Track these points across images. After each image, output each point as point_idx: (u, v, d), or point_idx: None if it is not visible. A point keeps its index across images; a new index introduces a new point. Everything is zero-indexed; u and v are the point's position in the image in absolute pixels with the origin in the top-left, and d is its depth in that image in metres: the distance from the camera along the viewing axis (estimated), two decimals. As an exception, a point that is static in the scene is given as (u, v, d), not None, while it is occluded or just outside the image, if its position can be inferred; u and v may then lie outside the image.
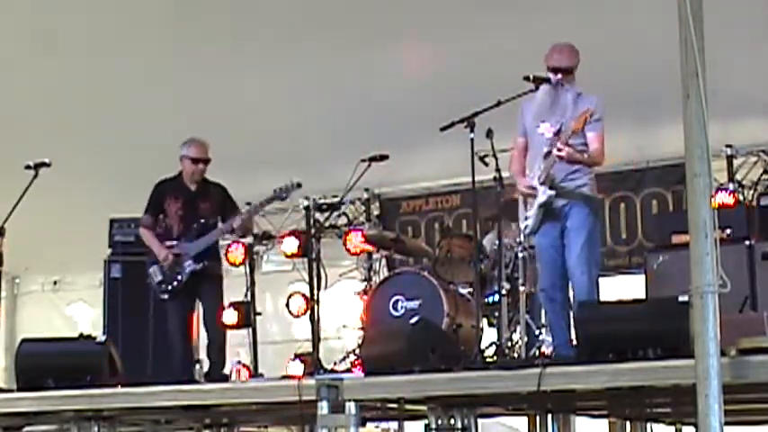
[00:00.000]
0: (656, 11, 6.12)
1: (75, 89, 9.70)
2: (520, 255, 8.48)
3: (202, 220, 8.22)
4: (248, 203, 8.69)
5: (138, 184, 8.69)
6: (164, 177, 8.43)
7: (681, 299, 5.34)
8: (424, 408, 6.22)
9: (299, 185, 8.29)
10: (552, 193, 6.98)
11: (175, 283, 8.21)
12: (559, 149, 6.92)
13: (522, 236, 7.91)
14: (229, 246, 11.24)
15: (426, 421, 6.17)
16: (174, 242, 8.23)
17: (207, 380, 8.04)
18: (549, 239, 7.09)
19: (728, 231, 7.88)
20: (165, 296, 8.27)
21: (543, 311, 8.61)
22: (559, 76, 7.08)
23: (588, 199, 7.07)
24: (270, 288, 12.14)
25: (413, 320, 6.51)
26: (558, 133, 7.01)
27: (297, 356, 10.46)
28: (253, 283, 11.43)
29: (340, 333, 11.55)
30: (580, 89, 7.12)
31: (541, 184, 7.00)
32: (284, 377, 9.20)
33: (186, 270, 8.18)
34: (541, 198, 7.00)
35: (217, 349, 8.22)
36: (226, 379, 8.31)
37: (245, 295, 11.30)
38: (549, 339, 8.30)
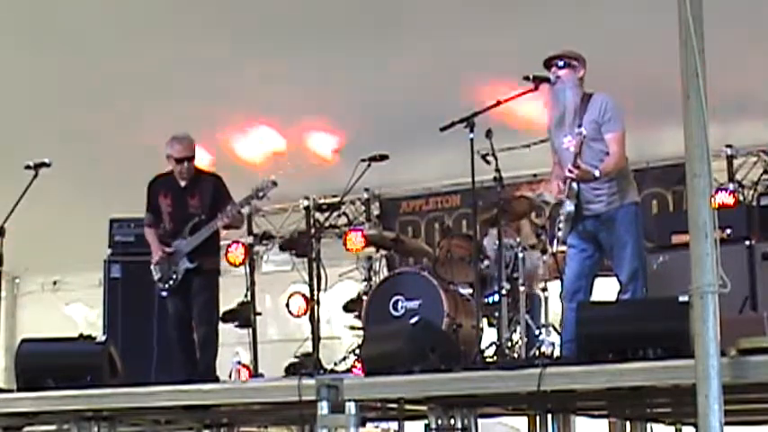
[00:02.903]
0: (656, 11, 6.12)
1: (76, 89, 9.71)
2: (520, 255, 8.49)
3: (195, 217, 8.19)
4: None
5: (137, 184, 8.69)
6: (157, 174, 8.43)
7: (681, 299, 5.33)
8: (424, 408, 6.22)
9: (274, 184, 8.26)
10: (572, 209, 6.96)
11: (171, 281, 8.19)
12: (570, 171, 6.89)
13: (554, 244, 7.91)
14: (229, 246, 11.26)
15: (426, 421, 6.17)
16: (174, 242, 8.22)
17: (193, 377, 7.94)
18: (580, 241, 7.05)
19: (728, 231, 7.85)
20: (164, 294, 8.29)
21: (543, 310, 8.64)
22: (554, 69, 7.05)
23: (625, 205, 7.00)
24: (270, 288, 12.15)
25: (413, 320, 6.50)
26: (580, 145, 6.96)
27: (297, 357, 10.48)
28: (253, 283, 11.47)
29: (340, 333, 11.56)
30: (591, 91, 7.07)
31: (566, 197, 6.99)
32: (284, 377, 9.21)
33: (181, 268, 8.17)
34: (564, 211, 6.99)
35: (203, 346, 8.17)
36: (215, 378, 8.21)
37: (245, 295, 11.34)
38: (550, 339, 8.32)
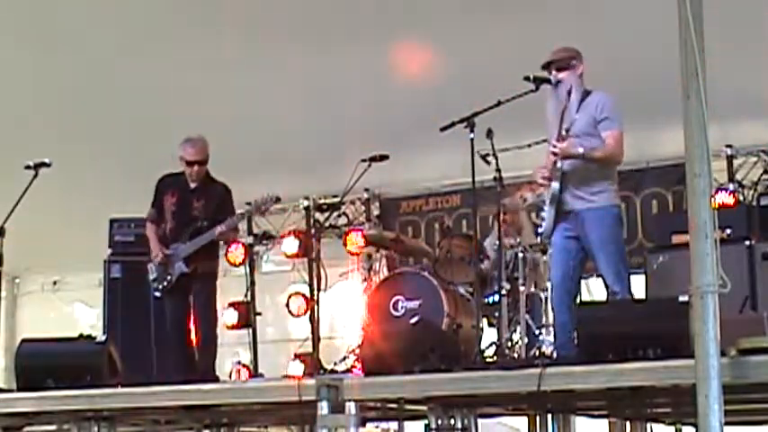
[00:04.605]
0: (656, 11, 6.12)
1: (76, 89, 9.71)
2: (520, 255, 8.49)
3: (197, 221, 8.20)
4: (248, 204, 8.68)
5: (137, 184, 8.70)
6: (168, 172, 8.43)
7: (681, 299, 5.33)
8: (424, 408, 6.22)
9: (278, 199, 8.27)
10: (557, 186, 6.96)
11: (165, 282, 8.22)
12: (554, 146, 6.92)
13: (538, 239, 7.91)
14: (229, 246, 11.24)
15: (426, 421, 6.17)
16: (173, 245, 8.23)
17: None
18: (563, 241, 7.05)
19: (728, 231, 7.86)
20: (158, 294, 8.30)
21: (544, 310, 8.64)
22: (554, 72, 7.07)
23: (606, 206, 7.00)
24: (270, 288, 12.15)
25: (413, 320, 6.51)
26: (561, 133, 6.98)
27: (297, 356, 10.48)
28: (253, 283, 11.46)
29: (340, 333, 11.55)
30: (590, 88, 7.08)
31: (551, 179, 6.99)
32: (284, 377, 9.21)
33: (176, 272, 8.18)
34: (549, 192, 6.99)
35: (203, 347, 8.18)
36: (214, 378, 8.22)
37: (245, 295, 11.33)
38: (550, 339, 8.32)
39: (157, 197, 8.39)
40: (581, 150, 6.91)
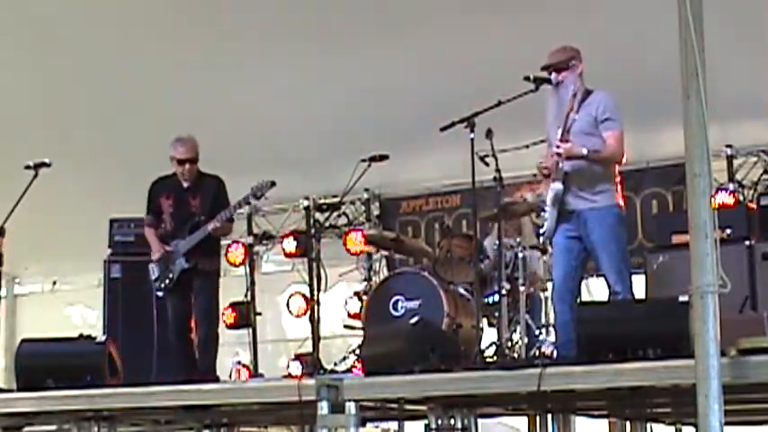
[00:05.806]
0: (655, 11, 6.12)
1: (75, 89, 9.72)
2: (520, 255, 8.49)
3: (195, 217, 8.21)
4: (248, 202, 8.66)
5: (137, 184, 8.70)
6: (160, 176, 8.45)
7: (681, 299, 5.34)
8: (424, 408, 6.22)
9: (273, 184, 8.24)
10: (560, 187, 6.95)
11: (167, 280, 8.22)
12: (557, 146, 6.91)
13: (540, 240, 7.89)
14: (229, 246, 11.25)
15: (426, 421, 6.17)
16: (173, 242, 8.24)
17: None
18: (565, 241, 7.04)
19: (728, 231, 7.86)
20: (160, 293, 8.31)
21: (543, 310, 8.65)
22: (554, 74, 7.08)
23: (608, 206, 6.99)
24: (270, 288, 12.14)
25: (413, 320, 6.50)
26: (563, 131, 6.98)
27: (297, 356, 10.48)
28: (253, 283, 11.46)
29: (340, 333, 11.55)
30: (591, 87, 7.07)
31: (553, 180, 6.99)
32: (284, 377, 9.21)
33: (177, 268, 8.19)
34: (551, 193, 6.98)
35: (204, 346, 8.19)
36: (215, 378, 8.22)
37: (245, 295, 11.33)
38: (550, 339, 8.32)
39: (152, 201, 8.40)
40: (584, 151, 6.90)
